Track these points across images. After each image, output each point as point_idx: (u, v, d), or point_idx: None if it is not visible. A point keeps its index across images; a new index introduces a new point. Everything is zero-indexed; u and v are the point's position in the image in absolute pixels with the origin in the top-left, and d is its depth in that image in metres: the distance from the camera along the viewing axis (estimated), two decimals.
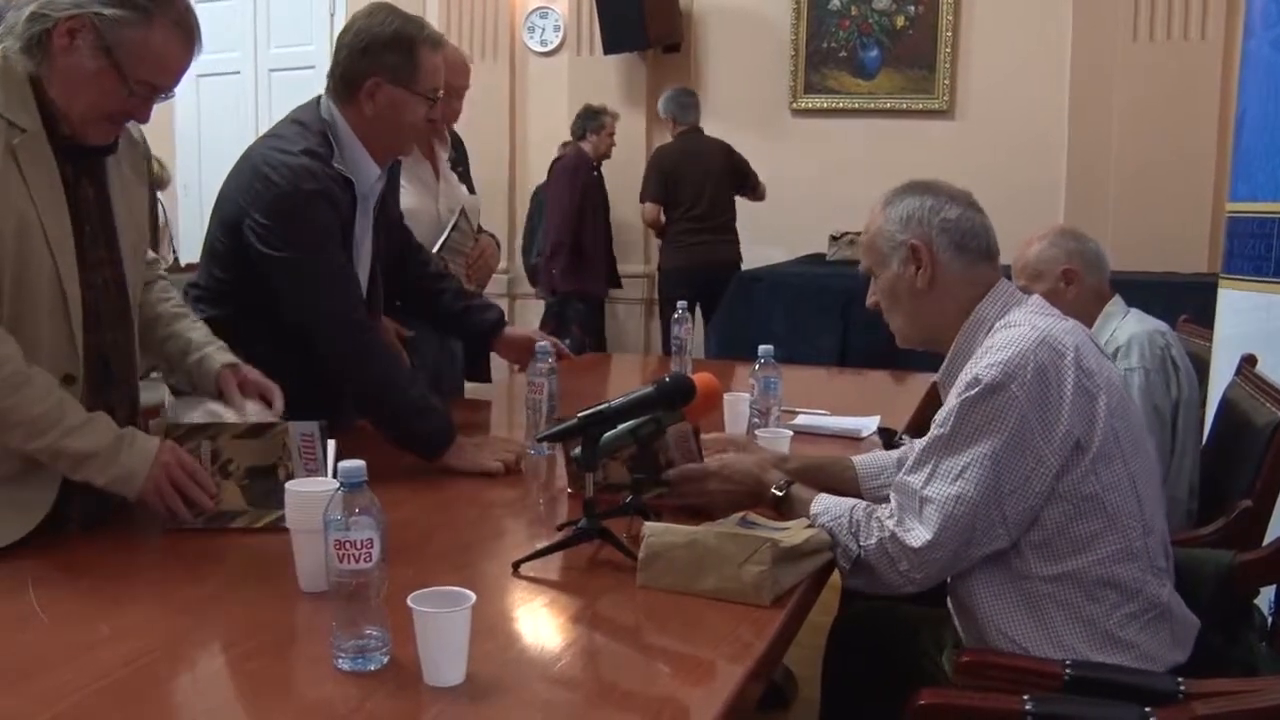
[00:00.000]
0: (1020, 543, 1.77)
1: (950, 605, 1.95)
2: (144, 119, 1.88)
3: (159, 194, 4.85)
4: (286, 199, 2.25)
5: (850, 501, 1.90)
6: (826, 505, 1.90)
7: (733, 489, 2.03)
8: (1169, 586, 1.82)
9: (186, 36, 1.86)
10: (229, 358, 2.14)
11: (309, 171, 2.27)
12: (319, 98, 2.43)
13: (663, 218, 6.49)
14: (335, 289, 2.31)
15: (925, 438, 1.84)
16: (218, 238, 2.41)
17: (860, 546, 1.81)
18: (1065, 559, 1.75)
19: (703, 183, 6.42)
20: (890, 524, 1.80)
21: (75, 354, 1.86)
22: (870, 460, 2.29)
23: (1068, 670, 1.68)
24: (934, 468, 1.78)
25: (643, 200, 6.54)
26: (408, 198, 3.00)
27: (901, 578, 1.79)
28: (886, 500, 1.88)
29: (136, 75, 1.78)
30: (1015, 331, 1.79)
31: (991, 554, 1.78)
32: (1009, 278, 2.04)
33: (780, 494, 1.98)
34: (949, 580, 1.86)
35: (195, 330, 2.17)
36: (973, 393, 1.75)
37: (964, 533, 1.75)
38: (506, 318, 2.98)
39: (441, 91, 2.41)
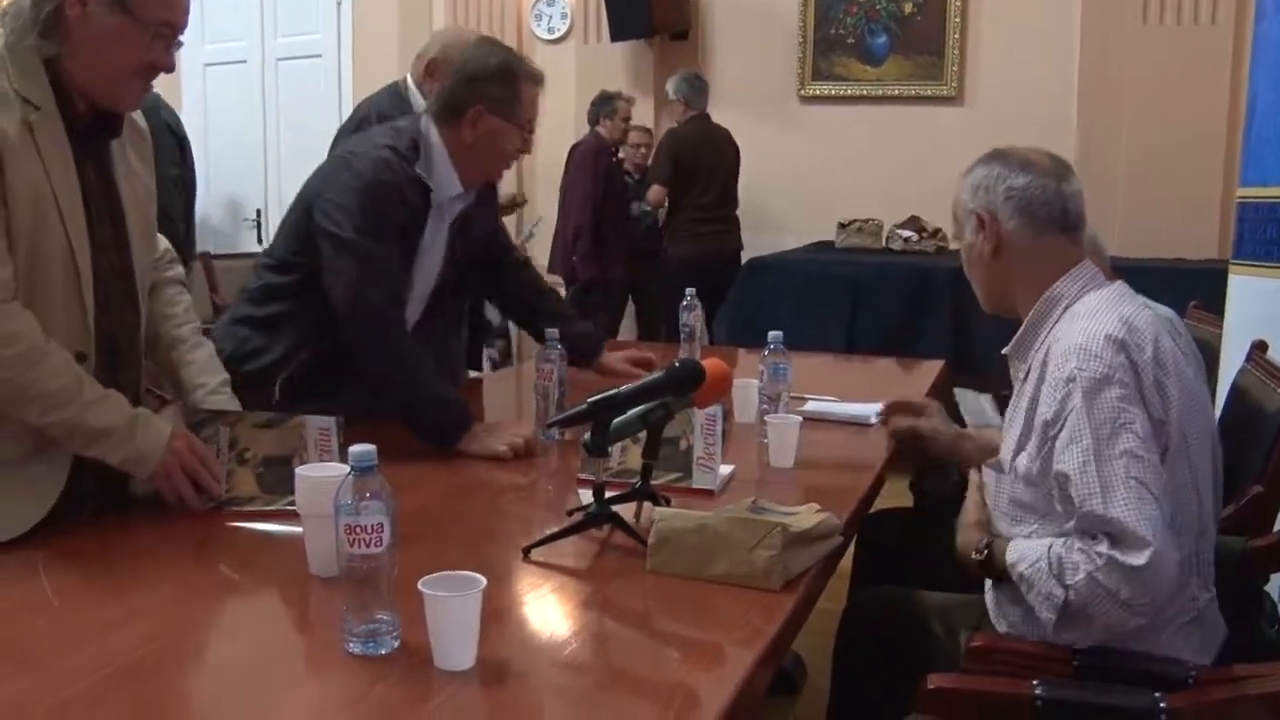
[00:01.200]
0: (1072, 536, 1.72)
1: (988, 597, 1.94)
2: (170, 66, 1.89)
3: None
4: (358, 180, 2.39)
5: (1046, 542, 1.70)
6: (1022, 552, 1.74)
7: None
8: (1211, 592, 1.79)
9: None
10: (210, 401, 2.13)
11: (387, 164, 2.42)
12: (421, 113, 2.56)
13: (666, 202, 6.49)
14: (373, 275, 2.37)
15: (1067, 460, 1.67)
16: (292, 219, 2.53)
17: (1066, 587, 1.63)
18: None
19: (714, 172, 6.42)
20: (1104, 548, 1.61)
21: (88, 332, 1.87)
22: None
23: (1078, 656, 1.68)
24: (1104, 488, 1.62)
25: (651, 181, 6.52)
26: None
27: (1124, 610, 1.60)
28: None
29: (152, 17, 1.81)
30: (1096, 322, 1.73)
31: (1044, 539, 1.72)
32: None
33: (980, 558, 1.87)
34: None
35: (187, 367, 2.15)
36: (1081, 394, 1.66)
37: (1163, 516, 1.60)
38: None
39: (532, 121, 2.51)
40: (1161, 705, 1.52)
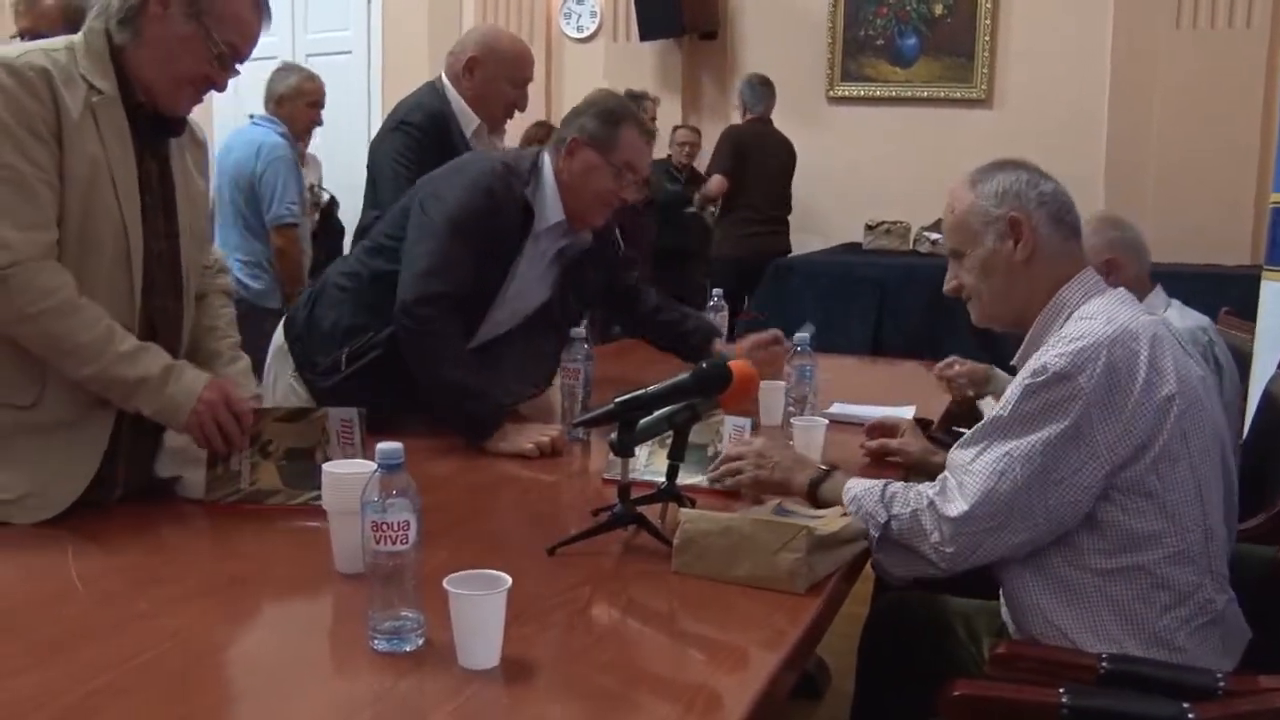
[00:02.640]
0: (1075, 535, 1.75)
1: (1002, 598, 1.94)
2: (222, 86, 1.96)
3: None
4: (465, 180, 2.49)
5: (884, 480, 1.90)
6: (859, 481, 1.91)
7: (764, 474, 2.03)
8: (1228, 594, 1.79)
9: (260, 5, 1.98)
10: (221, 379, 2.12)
11: (496, 175, 2.50)
12: (545, 147, 2.63)
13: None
14: (440, 267, 2.42)
15: (984, 420, 1.83)
16: (401, 208, 2.61)
17: (891, 515, 1.80)
18: (1119, 555, 1.73)
19: (768, 173, 6.45)
20: (931, 493, 1.79)
21: (133, 313, 1.90)
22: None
23: (1104, 663, 1.67)
24: (985, 446, 1.77)
25: (710, 172, 6.53)
26: None
27: (933, 550, 1.77)
28: None
29: (222, 37, 1.89)
30: (1091, 324, 1.76)
31: (1047, 544, 1.76)
32: None
33: (817, 481, 1.98)
34: (999, 571, 1.84)
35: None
36: (1038, 380, 1.73)
37: (1000, 513, 1.73)
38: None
39: (635, 171, 2.55)
40: (1190, 715, 1.50)
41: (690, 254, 6.71)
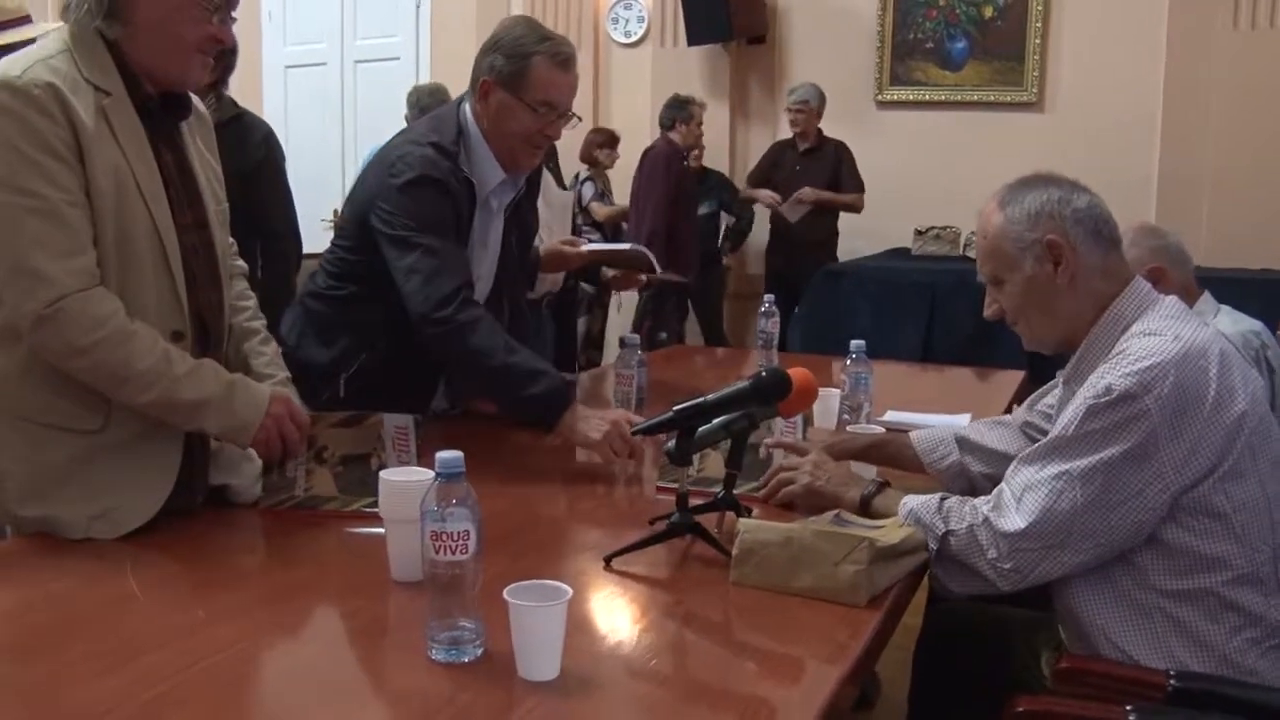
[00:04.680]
0: (1140, 554, 1.71)
1: (1058, 614, 1.90)
2: (229, 40, 1.92)
3: None
4: (408, 185, 2.35)
5: (942, 493, 1.87)
6: (915, 496, 1.87)
7: (818, 486, 2.00)
8: None
9: None
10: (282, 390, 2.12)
11: (430, 162, 2.36)
12: (464, 95, 2.49)
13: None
14: (441, 266, 2.33)
15: (1046, 436, 1.79)
16: (346, 218, 2.52)
17: (948, 529, 1.77)
18: (1187, 576, 1.69)
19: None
20: (985, 509, 1.76)
21: (181, 310, 1.88)
22: (926, 435, 2.25)
23: (1172, 681, 1.63)
24: (1045, 464, 1.73)
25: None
26: None
27: (990, 567, 1.73)
28: (953, 475, 1.82)
29: None
30: (1155, 341, 1.70)
31: (1109, 562, 1.72)
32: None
33: (869, 496, 1.95)
34: (1057, 586, 1.81)
35: (258, 357, 2.14)
36: (1102, 400, 1.68)
37: (1059, 532, 1.70)
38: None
39: (554, 107, 2.40)
40: None
41: (709, 258, 6.72)
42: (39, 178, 1.71)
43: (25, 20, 2.67)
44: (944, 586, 1.83)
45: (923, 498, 1.85)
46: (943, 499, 1.83)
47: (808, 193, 6.42)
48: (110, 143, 1.78)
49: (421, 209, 2.34)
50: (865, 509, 1.93)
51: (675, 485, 1.83)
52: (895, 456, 2.24)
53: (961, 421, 2.72)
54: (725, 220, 7.06)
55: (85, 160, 1.75)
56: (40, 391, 1.81)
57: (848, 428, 2.38)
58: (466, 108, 2.45)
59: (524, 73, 2.35)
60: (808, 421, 2.22)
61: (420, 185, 2.34)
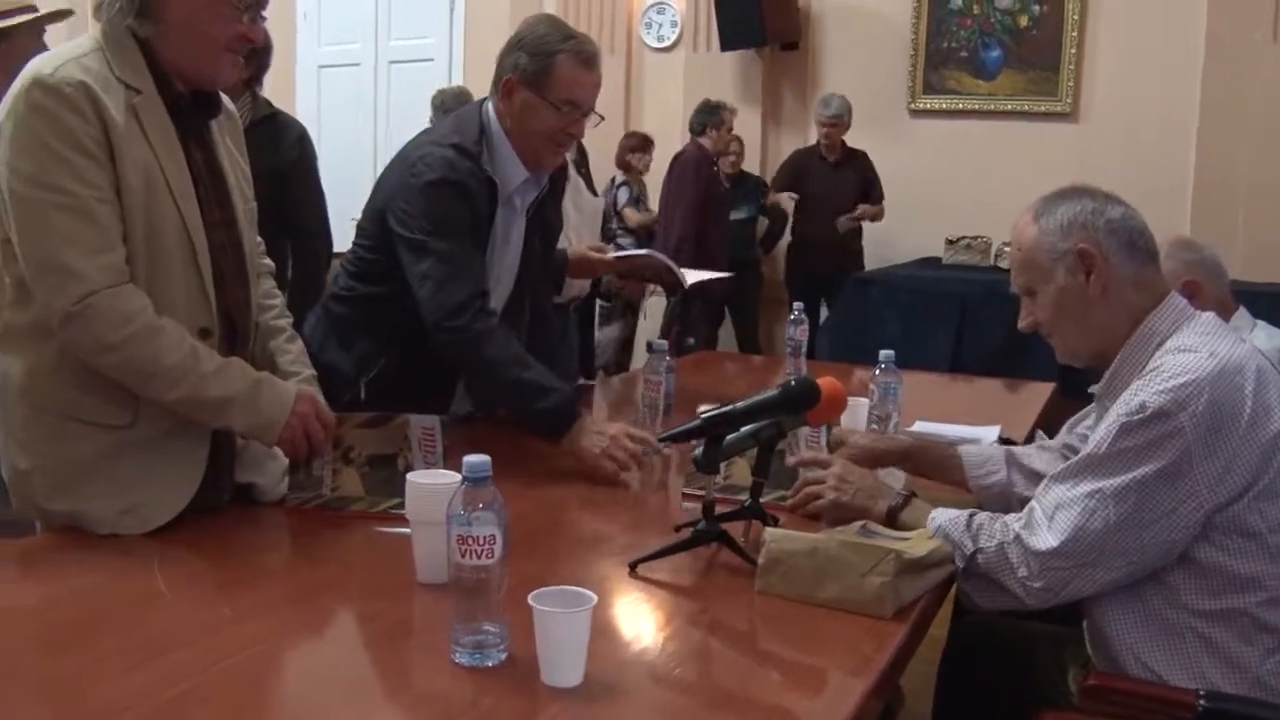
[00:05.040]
0: (1172, 574, 1.69)
1: (1085, 630, 1.88)
2: (259, 38, 1.93)
3: None
4: (426, 186, 2.33)
5: (972, 510, 1.84)
6: (944, 510, 1.85)
7: (845, 499, 1.98)
8: None
9: None
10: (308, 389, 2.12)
11: (450, 163, 2.34)
12: (487, 96, 2.48)
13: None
14: (455, 273, 2.32)
15: (1079, 454, 1.76)
16: (366, 218, 2.50)
17: (977, 547, 1.75)
18: (1220, 596, 1.66)
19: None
20: (1017, 526, 1.74)
21: (209, 307, 1.89)
22: (976, 450, 2.22)
23: (1201, 700, 1.61)
24: (1077, 482, 1.71)
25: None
26: None
27: (1019, 585, 1.71)
28: (995, 494, 1.80)
29: None
30: (1190, 358, 1.68)
31: (1141, 580, 1.70)
32: None
33: (896, 509, 1.93)
34: (1087, 604, 1.79)
35: (284, 355, 2.15)
36: (1136, 417, 1.66)
37: (1091, 550, 1.67)
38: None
39: (578, 106, 2.38)
40: None
41: (739, 263, 6.72)
42: (69, 175, 1.72)
43: (28, 9, 2.66)
44: (971, 602, 1.82)
45: (952, 513, 1.83)
46: (972, 515, 1.81)
47: (867, 209, 6.53)
48: (140, 140, 1.80)
49: (438, 211, 2.33)
50: (892, 521, 1.91)
51: (702, 492, 1.82)
52: (932, 466, 2.21)
53: (991, 433, 2.71)
54: (761, 224, 7.05)
55: (115, 158, 1.76)
56: (70, 387, 1.82)
57: (913, 427, 2.35)
58: (489, 106, 2.44)
59: (548, 71, 2.34)
60: (831, 429, 2.20)
61: (439, 186, 2.33)
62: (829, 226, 6.53)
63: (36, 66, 1.77)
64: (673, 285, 3.24)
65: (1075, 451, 2.06)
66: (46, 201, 1.72)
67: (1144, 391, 1.67)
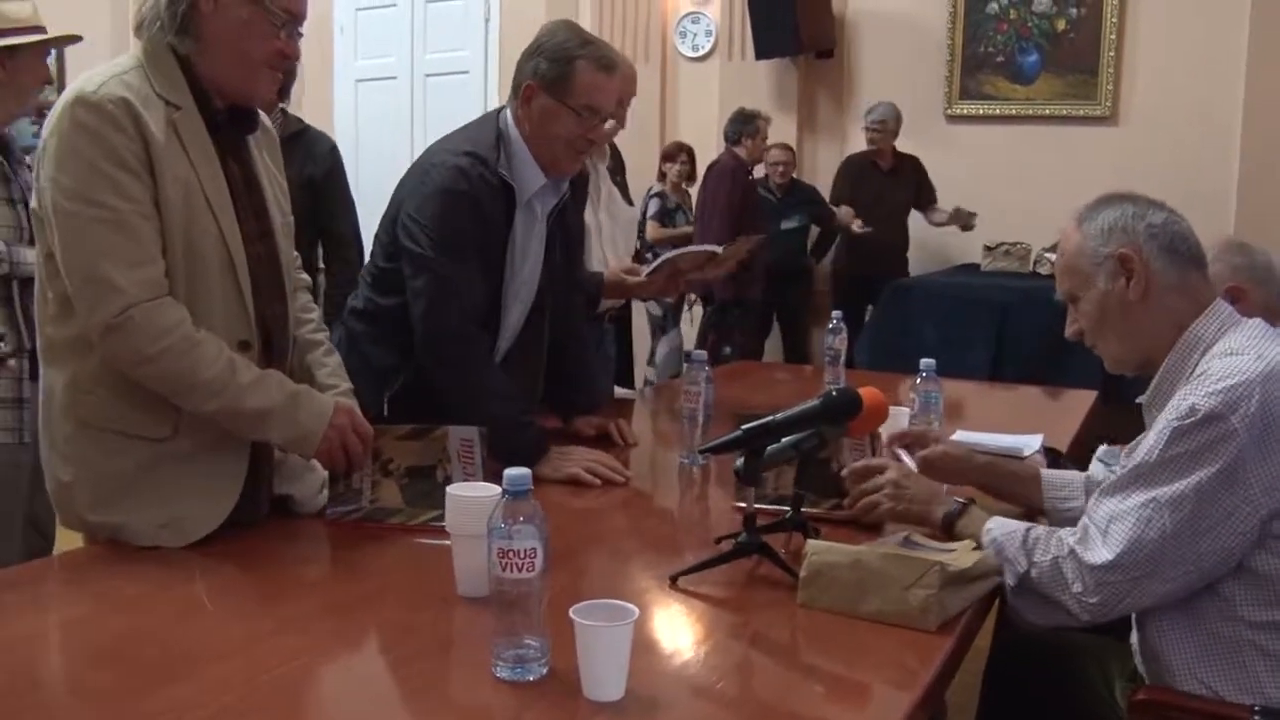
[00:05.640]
0: (1226, 584, 1.65)
1: (1134, 643, 1.85)
2: (297, 55, 1.95)
3: None
4: (433, 197, 2.33)
5: (1028, 523, 1.81)
6: (1001, 522, 1.82)
7: (902, 508, 1.95)
8: None
9: None
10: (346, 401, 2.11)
11: (462, 172, 2.33)
12: (504, 104, 2.48)
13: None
14: (449, 295, 2.32)
15: (1128, 464, 1.72)
16: (382, 227, 2.49)
17: (1031, 563, 1.71)
18: (1276, 607, 1.63)
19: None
20: (1071, 541, 1.69)
21: (248, 320, 1.91)
22: (1057, 474, 2.19)
23: (1256, 717, 1.58)
24: (1130, 492, 1.67)
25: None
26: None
27: (1074, 601, 1.67)
28: (1069, 519, 1.78)
29: (279, 6, 1.87)
30: (1238, 361, 1.65)
31: (1195, 592, 1.67)
32: None
33: (953, 516, 1.89)
34: (1138, 616, 1.76)
35: (321, 368, 2.15)
36: (1187, 421, 1.62)
37: (1148, 562, 1.63)
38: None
39: (597, 111, 2.38)
40: None
41: (789, 272, 6.69)
42: (111, 190, 1.75)
43: (36, 30, 2.67)
44: (1021, 618, 1.79)
45: (1009, 526, 1.80)
46: (1029, 530, 1.77)
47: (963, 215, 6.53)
48: (180, 155, 1.82)
49: (445, 225, 2.32)
50: (949, 529, 1.88)
51: (747, 506, 1.80)
52: (1006, 485, 2.15)
53: (1034, 442, 2.67)
54: (813, 233, 7.03)
55: (155, 173, 1.79)
56: (111, 400, 1.84)
57: (954, 436, 2.32)
58: (507, 113, 2.44)
59: (568, 76, 2.34)
60: (875, 440, 2.18)
61: (447, 196, 2.32)
62: (880, 233, 6.51)
63: (80, 84, 1.80)
64: (708, 281, 3.23)
65: None
66: (89, 216, 1.75)
67: (1193, 395, 1.64)
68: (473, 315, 2.36)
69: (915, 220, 6.78)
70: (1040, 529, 1.77)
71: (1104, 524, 1.68)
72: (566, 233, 2.65)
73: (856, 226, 6.58)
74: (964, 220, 6.49)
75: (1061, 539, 1.72)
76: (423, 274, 2.33)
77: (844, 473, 2.03)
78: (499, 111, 2.47)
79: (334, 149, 3.77)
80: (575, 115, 2.36)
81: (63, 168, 1.76)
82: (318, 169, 3.59)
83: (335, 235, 3.69)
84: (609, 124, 2.45)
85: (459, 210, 2.32)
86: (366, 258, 3.58)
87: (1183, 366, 1.76)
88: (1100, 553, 1.66)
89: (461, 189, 2.32)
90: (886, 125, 6.56)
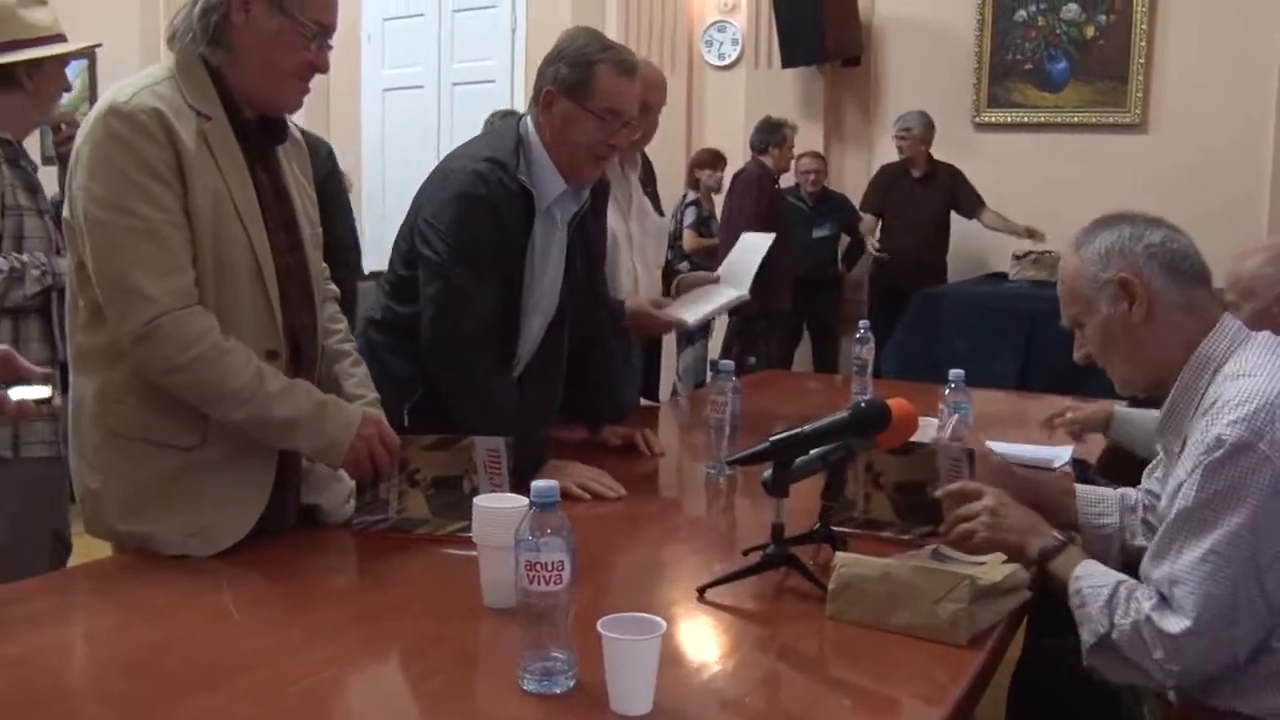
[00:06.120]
0: None
1: None
2: (325, 66, 1.95)
3: None
4: (451, 202, 2.32)
5: (1118, 575, 1.71)
6: (1089, 570, 1.74)
7: (999, 537, 1.88)
8: None
9: None
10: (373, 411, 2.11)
11: (480, 177, 2.31)
12: (525, 111, 2.47)
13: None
14: (460, 304, 2.31)
15: (1169, 514, 1.67)
16: (402, 234, 2.49)
17: (1113, 624, 1.64)
18: None
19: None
20: (1148, 605, 1.62)
21: (276, 330, 1.92)
22: (1093, 490, 2.15)
23: None
24: (1183, 549, 1.60)
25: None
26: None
27: (1157, 667, 1.60)
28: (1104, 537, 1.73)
29: (309, 17, 1.88)
30: (1251, 383, 1.62)
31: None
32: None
33: (1051, 546, 1.83)
34: None
35: (349, 379, 2.16)
36: (1217, 455, 1.58)
37: (1226, 614, 1.57)
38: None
39: (619, 115, 2.37)
40: None
41: (819, 282, 6.68)
42: (142, 199, 1.77)
43: (58, 39, 2.68)
44: (1101, 675, 1.73)
45: (1095, 579, 1.71)
46: (1118, 586, 1.68)
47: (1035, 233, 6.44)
48: (210, 165, 1.84)
49: (462, 231, 2.31)
50: (1043, 563, 1.81)
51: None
52: (1052, 499, 2.10)
53: (1064, 454, 2.65)
54: (844, 242, 7.01)
55: (186, 182, 1.80)
56: (141, 408, 1.85)
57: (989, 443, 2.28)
58: (528, 120, 2.43)
59: (588, 81, 2.33)
60: (972, 459, 2.06)
61: (465, 201, 2.31)
62: (914, 242, 6.49)
63: (112, 95, 1.81)
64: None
65: (1154, 496, 2.00)
66: (120, 225, 1.76)
67: (1215, 426, 1.61)
68: (484, 325, 2.35)
69: (956, 228, 6.73)
70: (1126, 586, 1.68)
71: (1168, 590, 1.61)
72: (587, 242, 2.64)
73: (872, 246, 6.57)
74: (1036, 237, 6.42)
75: (1140, 602, 1.64)
76: (436, 281, 2.32)
77: (938, 493, 1.98)
78: (520, 118, 2.47)
79: (331, 153, 3.80)
80: (596, 119, 2.35)
81: (95, 177, 1.78)
82: (318, 171, 3.61)
83: (335, 239, 3.71)
84: (631, 133, 2.43)
85: (476, 216, 2.31)
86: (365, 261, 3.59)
87: (1194, 387, 1.73)
88: (1175, 621, 1.59)
89: (479, 194, 2.31)
90: (912, 133, 6.54)
